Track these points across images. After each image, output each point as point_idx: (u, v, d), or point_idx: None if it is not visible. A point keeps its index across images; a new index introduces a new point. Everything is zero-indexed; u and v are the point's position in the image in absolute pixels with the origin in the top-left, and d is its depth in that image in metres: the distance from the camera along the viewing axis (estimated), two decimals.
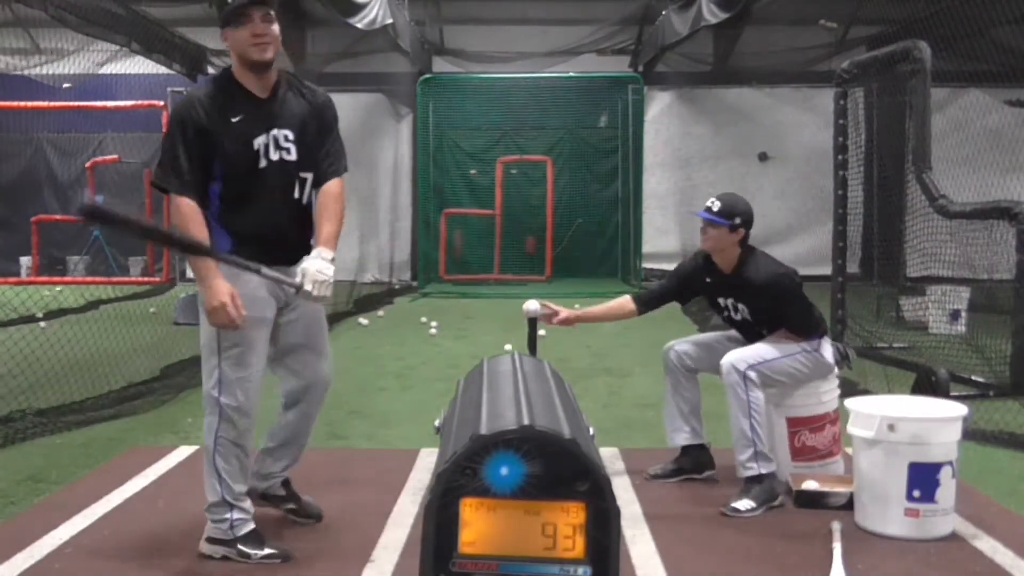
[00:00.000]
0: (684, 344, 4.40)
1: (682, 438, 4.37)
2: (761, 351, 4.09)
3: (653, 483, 4.35)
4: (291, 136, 3.37)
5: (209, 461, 3.35)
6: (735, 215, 4.16)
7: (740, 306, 4.25)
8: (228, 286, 3.18)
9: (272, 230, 3.39)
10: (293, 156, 3.37)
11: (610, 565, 2.18)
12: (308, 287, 3.25)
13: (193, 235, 3.21)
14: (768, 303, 4.16)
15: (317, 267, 3.26)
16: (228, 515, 3.36)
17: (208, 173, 3.28)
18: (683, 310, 11.90)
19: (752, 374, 4.01)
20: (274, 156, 3.35)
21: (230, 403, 3.31)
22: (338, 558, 3.42)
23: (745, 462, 4.00)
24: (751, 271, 4.18)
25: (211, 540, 3.39)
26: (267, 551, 3.37)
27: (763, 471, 3.98)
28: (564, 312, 4.42)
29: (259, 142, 3.31)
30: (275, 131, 3.35)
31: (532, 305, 4.34)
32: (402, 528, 3.72)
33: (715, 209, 4.18)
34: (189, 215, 3.23)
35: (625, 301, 4.56)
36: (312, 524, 3.77)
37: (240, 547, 3.36)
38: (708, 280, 4.35)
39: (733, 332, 4.40)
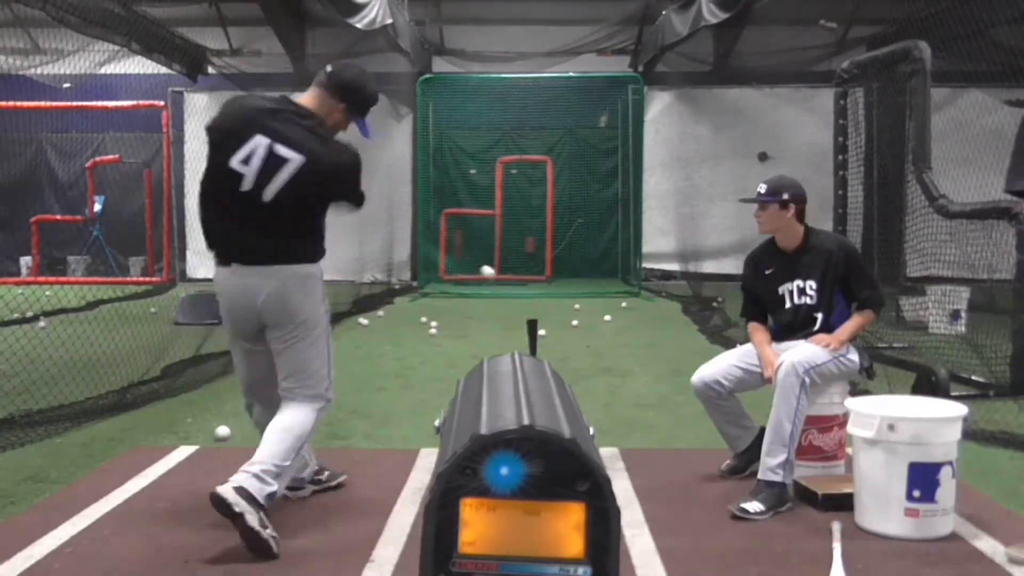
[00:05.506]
0: (709, 369, 4.31)
1: (744, 442, 4.34)
2: (814, 353, 4.06)
3: (663, 484, 4.30)
4: None
5: (303, 445, 3.64)
6: (782, 191, 4.26)
7: (808, 283, 4.25)
8: None
9: None
10: None
11: (610, 565, 2.18)
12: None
13: None
14: (840, 268, 4.20)
15: None
16: (279, 487, 3.51)
17: None
18: (683, 310, 11.95)
19: (808, 380, 3.98)
20: None
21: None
22: (338, 558, 3.41)
23: (774, 467, 3.94)
24: (819, 240, 4.31)
25: (243, 493, 3.33)
26: (272, 532, 3.38)
27: (785, 480, 3.95)
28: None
29: None
30: None
31: (488, 271, 4.51)
32: (402, 528, 3.72)
33: (763, 192, 4.30)
34: None
35: (757, 327, 4.42)
36: (346, 482, 4.23)
37: (264, 516, 3.36)
38: (768, 272, 4.36)
39: (748, 347, 4.37)
